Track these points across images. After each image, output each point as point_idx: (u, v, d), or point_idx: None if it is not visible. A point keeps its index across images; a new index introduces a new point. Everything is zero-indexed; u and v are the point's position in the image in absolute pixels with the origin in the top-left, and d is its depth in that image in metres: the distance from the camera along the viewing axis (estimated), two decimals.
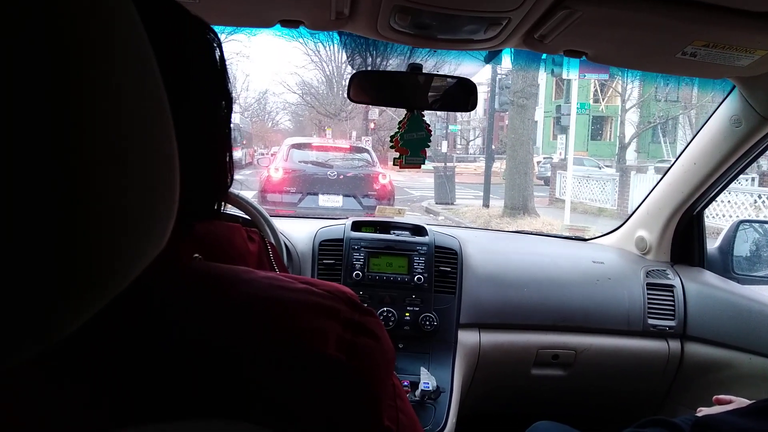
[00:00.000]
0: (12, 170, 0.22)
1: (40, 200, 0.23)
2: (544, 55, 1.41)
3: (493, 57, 1.61)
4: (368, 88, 1.34)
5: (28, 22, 0.22)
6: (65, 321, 0.26)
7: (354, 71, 1.30)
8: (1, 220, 0.22)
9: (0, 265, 0.22)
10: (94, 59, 0.25)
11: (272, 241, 1.36)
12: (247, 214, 1.36)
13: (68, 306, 0.25)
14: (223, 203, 0.52)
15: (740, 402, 1.08)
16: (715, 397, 1.14)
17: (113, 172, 0.26)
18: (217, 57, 0.49)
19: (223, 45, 0.50)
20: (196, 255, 0.49)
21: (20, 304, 0.23)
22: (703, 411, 1.11)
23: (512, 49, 1.32)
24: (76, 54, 0.24)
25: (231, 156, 0.51)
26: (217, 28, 0.50)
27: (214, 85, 0.49)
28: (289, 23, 1.11)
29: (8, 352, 0.24)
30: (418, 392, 1.36)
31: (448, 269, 1.60)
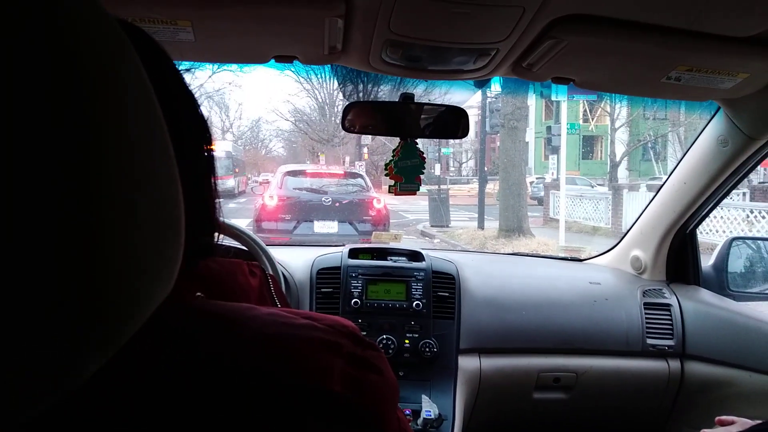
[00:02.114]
0: (33, 217, 0.23)
1: (55, 250, 0.23)
2: None
3: (482, 84, 1.64)
4: (362, 118, 1.36)
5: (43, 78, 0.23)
6: (82, 369, 0.26)
7: (346, 100, 1.33)
8: (17, 270, 0.23)
9: (16, 316, 0.23)
10: (108, 110, 0.26)
11: (271, 272, 1.36)
12: (245, 246, 1.36)
13: (84, 354, 0.26)
14: (218, 235, 0.52)
15: (743, 423, 1.07)
16: (717, 418, 1.14)
17: (126, 217, 0.27)
18: (186, 84, 0.49)
19: (186, 72, 0.49)
20: (199, 293, 0.49)
21: (38, 355, 0.24)
22: None
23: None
24: (91, 106, 0.25)
25: (216, 184, 0.51)
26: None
27: (187, 112, 0.48)
28: (284, 59, 1.13)
29: (27, 403, 0.25)
30: (420, 421, 1.35)
31: (446, 294, 1.60)
